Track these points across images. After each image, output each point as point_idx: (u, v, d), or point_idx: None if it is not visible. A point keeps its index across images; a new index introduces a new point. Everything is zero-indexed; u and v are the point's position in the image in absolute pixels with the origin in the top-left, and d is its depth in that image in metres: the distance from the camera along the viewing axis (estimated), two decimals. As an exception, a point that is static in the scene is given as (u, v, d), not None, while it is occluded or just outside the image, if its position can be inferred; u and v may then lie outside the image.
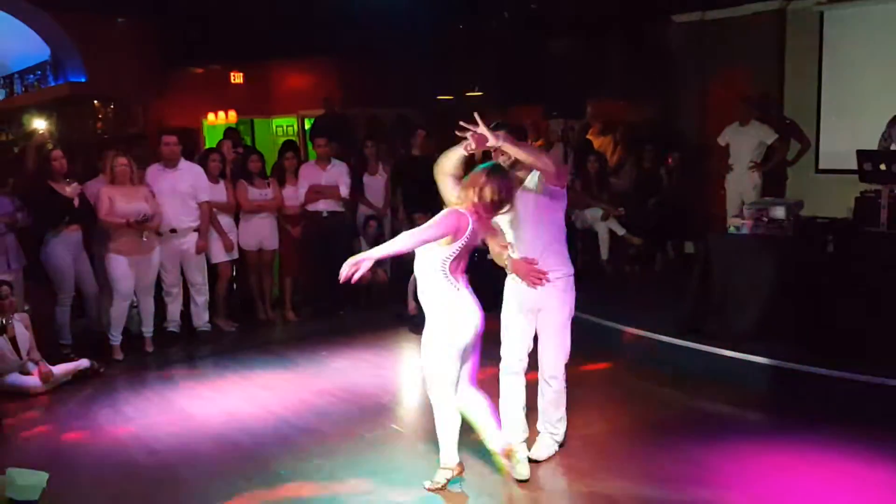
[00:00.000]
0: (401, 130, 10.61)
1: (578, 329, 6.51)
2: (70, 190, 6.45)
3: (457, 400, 3.93)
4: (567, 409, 4.42)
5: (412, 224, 8.11)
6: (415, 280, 3.98)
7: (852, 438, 4.56)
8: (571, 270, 4.21)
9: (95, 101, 10.51)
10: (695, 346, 5.83)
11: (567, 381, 4.34)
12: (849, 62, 8.56)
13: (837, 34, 8.65)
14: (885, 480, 4.05)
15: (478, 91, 11.63)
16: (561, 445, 4.43)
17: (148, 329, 6.83)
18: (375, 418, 5.11)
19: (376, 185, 8.48)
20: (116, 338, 6.60)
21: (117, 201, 6.44)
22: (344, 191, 7.85)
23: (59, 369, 5.91)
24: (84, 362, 6.09)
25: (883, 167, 5.55)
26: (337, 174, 7.86)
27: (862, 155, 5.73)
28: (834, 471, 4.18)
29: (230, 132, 9.39)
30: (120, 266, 6.49)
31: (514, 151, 3.89)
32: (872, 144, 6.97)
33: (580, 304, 4.38)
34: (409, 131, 9.23)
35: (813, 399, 5.10)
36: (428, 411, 5.10)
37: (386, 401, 5.50)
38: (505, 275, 4.27)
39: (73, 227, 6.49)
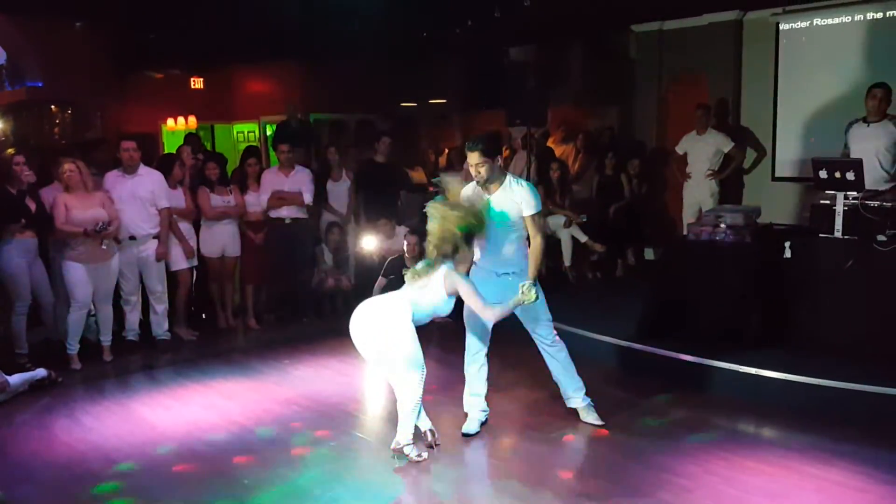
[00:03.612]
0: (364, 136, 10.59)
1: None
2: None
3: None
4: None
5: (375, 230, 8.11)
6: None
7: (812, 439, 4.68)
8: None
9: (53, 106, 10.33)
10: (655, 351, 5.91)
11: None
12: (804, 72, 8.75)
13: (793, 44, 8.85)
14: (841, 480, 4.14)
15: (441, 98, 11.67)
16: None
17: (106, 338, 6.72)
18: (339, 426, 5.09)
19: (340, 191, 8.45)
20: (74, 347, 6.49)
21: (73, 209, 6.32)
22: (307, 197, 7.81)
23: (15, 379, 5.76)
24: (41, 372, 5.97)
25: (838, 175, 5.66)
26: (300, 180, 7.82)
27: (817, 163, 5.84)
28: (795, 471, 4.26)
29: (190, 138, 9.30)
30: (77, 274, 6.37)
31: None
32: (827, 152, 7.13)
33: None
34: (372, 137, 9.22)
35: (774, 402, 5.20)
36: (392, 419, 5.08)
37: (350, 409, 5.47)
38: None
39: (28, 234, 6.36)
